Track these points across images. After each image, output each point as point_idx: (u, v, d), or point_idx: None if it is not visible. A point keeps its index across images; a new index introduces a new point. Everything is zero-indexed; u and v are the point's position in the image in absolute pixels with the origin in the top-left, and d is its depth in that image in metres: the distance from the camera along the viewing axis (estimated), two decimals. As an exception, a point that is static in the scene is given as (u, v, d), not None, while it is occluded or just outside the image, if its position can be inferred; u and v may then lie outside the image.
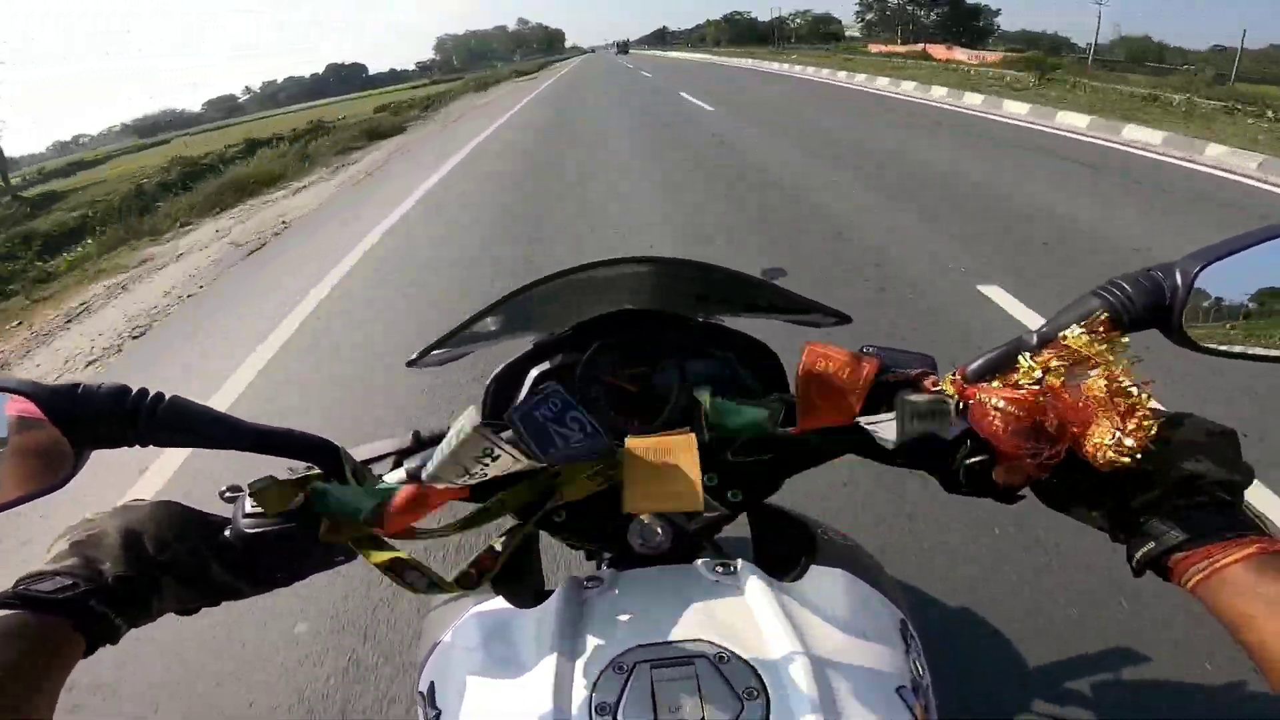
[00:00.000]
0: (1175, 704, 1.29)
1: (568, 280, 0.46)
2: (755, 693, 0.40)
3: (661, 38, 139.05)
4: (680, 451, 0.44)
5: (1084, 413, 0.38)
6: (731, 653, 0.43)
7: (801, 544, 0.58)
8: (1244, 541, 0.36)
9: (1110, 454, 0.38)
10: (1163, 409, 0.41)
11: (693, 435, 0.45)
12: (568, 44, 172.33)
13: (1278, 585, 0.35)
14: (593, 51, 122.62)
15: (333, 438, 0.45)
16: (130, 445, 0.39)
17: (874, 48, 38.19)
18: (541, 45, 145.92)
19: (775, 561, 0.55)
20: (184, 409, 0.40)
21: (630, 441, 0.45)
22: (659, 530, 0.52)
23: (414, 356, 0.56)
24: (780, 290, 0.51)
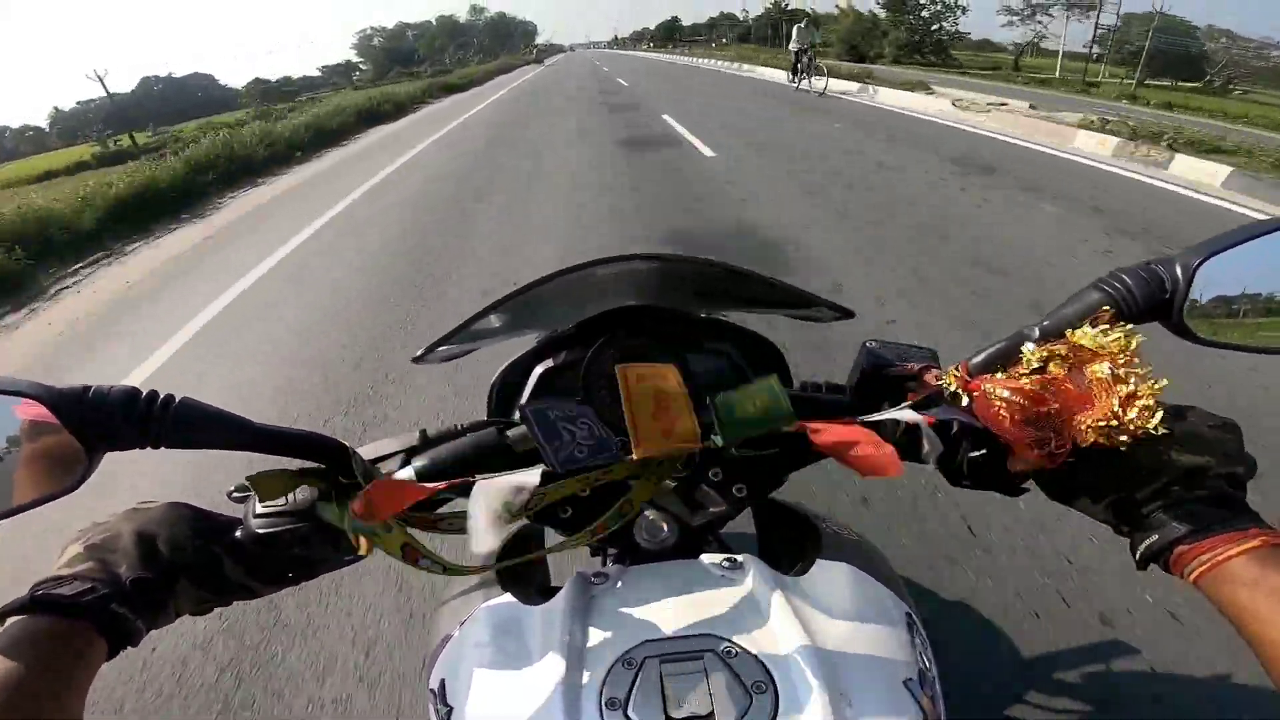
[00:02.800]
0: (1164, 695, 1.29)
1: (570, 278, 0.47)
2: (764, 686, 0.41)
3: (670, 35, 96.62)
4: (667, 379, 0.46)
5: (1087, 398, 0.39)
6: (740, 647, 0.43)
7: (807, 538, 0.58)
8: (1248, 534, 0.37)
9: (1105, 436, 0.38)
10: (1165, 402, 0.41)
11: (673, 365, 0.47)
12: (540, 40, 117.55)
13: None
14: (570, 51, 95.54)
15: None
16: (142, 447, 0.39)
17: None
18: (488, 43, 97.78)
19: (781, 556, 0.55)
20: (195, 411, 0.40)
21: (620, 368, 0.46)
22: (664, 526, 0.52)
23: (419, 353, 0.56)
24: (783, 285, 0.51)
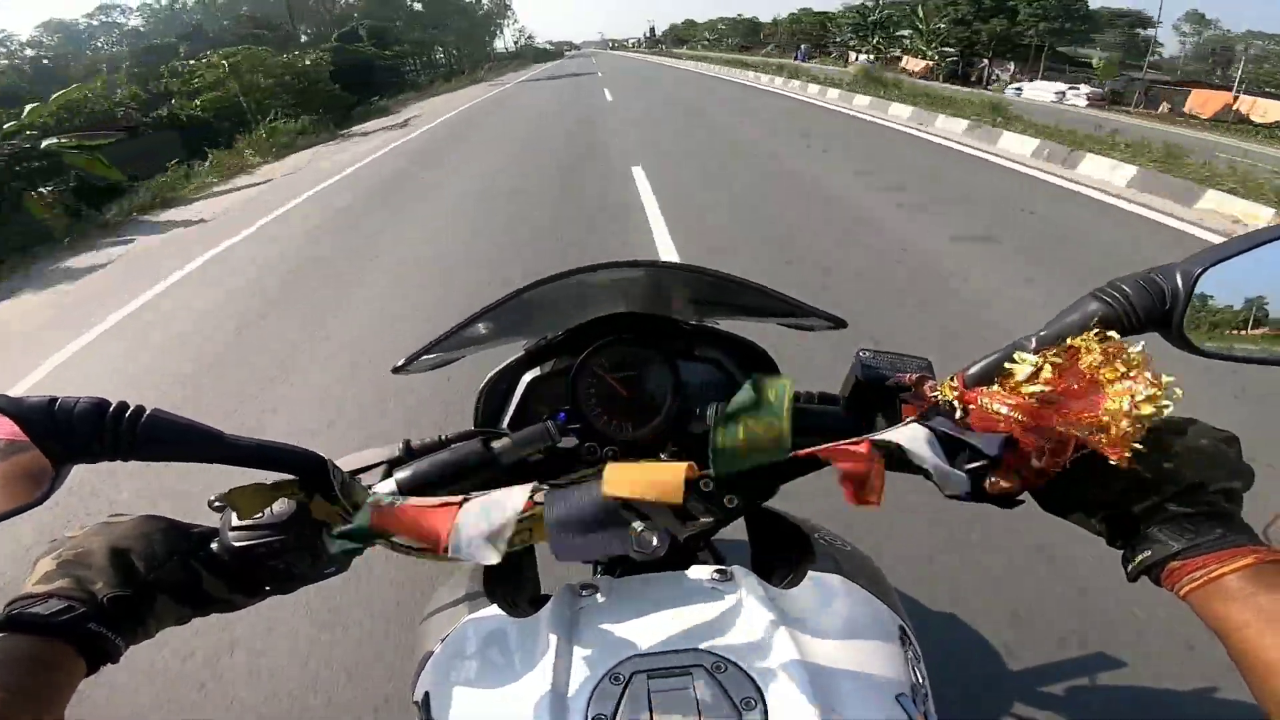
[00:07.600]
0: (1151, 707, 1.29)
1: (559, 285, 0.46)
2: (753, 702, 0.40)
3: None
4: (666, 474, 0.44)
5: (1091, 401, 0.38)
6: (729, 661, 0.42)
7: (798, 549, 0.57)
8: (1241, 551, 0.36)
9: (1112, 438, 0.37)
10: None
11: (681, 466, 0.45)
12: (510, 34, 70.67)
13: (1271, 595, 0.34)
14: (575, 49, 75.54)
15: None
16: (110, 460, 0.38)
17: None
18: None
19: (772, 567, 0.54)
20: (165, 423, 0.38)
21: (610, 469, 0.45)
22: (654, 538, 0.51)
23: (400, 363, 0.54)
24: (774, 294, 0.50)
